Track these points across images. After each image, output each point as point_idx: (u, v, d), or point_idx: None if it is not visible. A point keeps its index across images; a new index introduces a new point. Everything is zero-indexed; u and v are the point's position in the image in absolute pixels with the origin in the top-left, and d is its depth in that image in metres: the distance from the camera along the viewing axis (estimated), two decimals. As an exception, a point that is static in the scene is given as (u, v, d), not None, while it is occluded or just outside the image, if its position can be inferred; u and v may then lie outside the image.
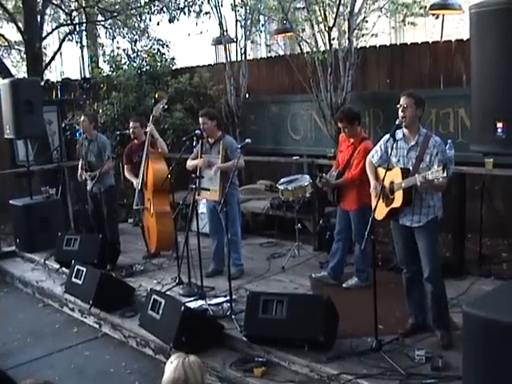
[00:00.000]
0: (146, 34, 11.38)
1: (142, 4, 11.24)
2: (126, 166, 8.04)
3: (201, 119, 6.74)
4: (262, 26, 10.40)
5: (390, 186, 4.82)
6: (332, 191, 6.29)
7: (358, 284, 6.24)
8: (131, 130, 7.85)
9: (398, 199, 4.76)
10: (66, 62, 15.86)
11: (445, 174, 4.25)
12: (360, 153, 6.02)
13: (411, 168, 4.72)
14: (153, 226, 7.64)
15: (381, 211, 4.90)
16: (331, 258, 6.51)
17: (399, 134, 4.84)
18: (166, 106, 8.41)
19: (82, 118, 8.01)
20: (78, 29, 11.96)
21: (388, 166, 4.78)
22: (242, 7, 9.49)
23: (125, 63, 10.46)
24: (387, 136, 4.93)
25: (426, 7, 8.38)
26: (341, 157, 6.35)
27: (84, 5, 11.32)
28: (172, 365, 2.75)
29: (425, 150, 4.68)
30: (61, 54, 13.26)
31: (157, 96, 7.95)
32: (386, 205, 4.88)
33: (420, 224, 4.78)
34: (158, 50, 10.63)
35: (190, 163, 6.93)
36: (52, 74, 14.54)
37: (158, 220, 7.54)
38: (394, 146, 4.82)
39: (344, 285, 6.33)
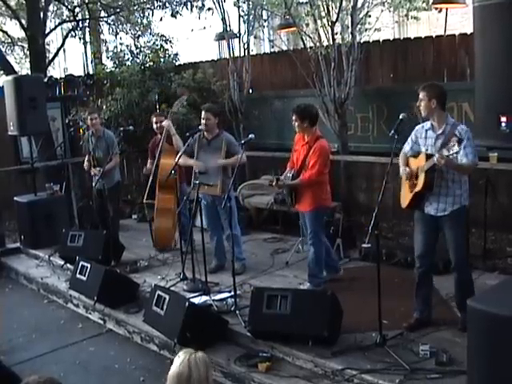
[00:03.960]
0: (149, 30, 11.38)
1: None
2: (149, 161, 8.03)
3: (204, 114, 6.70)
4: (265, 21, 10.41)
5: (416, 171, 4.87)
6: (289, 193, 6.12)
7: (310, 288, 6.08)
8: (155, 126, 7.81)
9: (420, 183, 4.79)
10: (70, 59, 15.86)
11: (458, 148, 4.29)
12: (315, 152, 5.88)
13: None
14: (155, 221, 7.70)
15: (406, 197, 4.97)
16: None
17: (427, 124, 4.89)
18: (185, 103, 8.41)
19: (95, 115, 8.00)
20: (80, 25, 11.98)
21: (415, 155, 4.89)
22: (244, 2, 9.47)
23: (128, 59, 10.45)
24: (417, 127, 5.00)
25: (429, 1, 8.36)
26: (295, 156, 6.20)
27: (87, 1, 11.32)
28: (179, 359, 2.78)
29: (451, 137, 4.68)
30: (64, 50, 13.29)
31: (178, 92, 7.97)
32: (410, 190, 4.93)
33: (445, 213, 4.80)
34: (161, 45, 10.60)
35: (184, 160, 6.80)
36: (55, 71, 14.53)
37: (157, 216, 7.61)
38: (423, 135, 4.89)
39: (301, 287, 6.19)
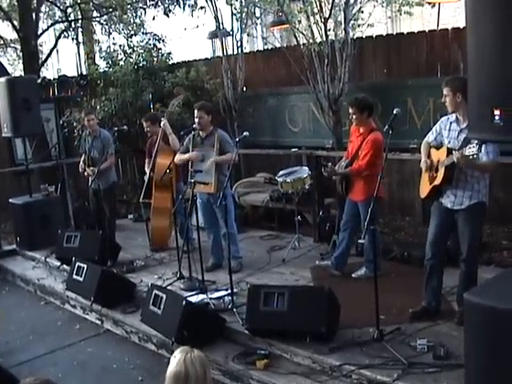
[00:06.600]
0: (142, 29, 11.35)
1: (137, -2, 11.23)
2: (147, 160, 8.05)
3: (197, 112, 6.70)
4: (258, 18, 10.39)
5: (436, 164, 4.87)
6: (340, 182, 6.27)
7: (367, 274, 6.14)
8: (147, 129, 7.87)
9: (439, 177, 4.80)
10: (63, 59, 15.83)
11: (477, 151, 4.26)
12: (368, 144, 5.99)
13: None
14: (152, 220, 7.69)
15: (424, 189, 4.99)
16: (336, 247, 6.50)
17: (452, 116, 4.88)
18: (181, 103, 8.41)
19: (91, 116, 8.00)
20: (73, 25, 11.96)
21: (437, 146, 4.90)
22: (237, 0, 9.46)
23: (121, 59, 10.42)
24: (443, 118, 4.99)
25: (422, -4, 8.36)
26: (350, 147, 6.33)
27: (79, 1, 11.29)
28: (175, 359, 2.76)
29: None
30: (57, 51, 13.26)
31: (175, 92, 7.98)
32: (429, 182, 4.95)
33: (461, 207, 4.80)
34: (154, 45, 10.59)
35: (179, 157, 6.89)
36: (49, 72, 14.51)
37: (154, 215, 7.61)
38: (447, 127, 4.89)
39: (353, 275, 6.31)
